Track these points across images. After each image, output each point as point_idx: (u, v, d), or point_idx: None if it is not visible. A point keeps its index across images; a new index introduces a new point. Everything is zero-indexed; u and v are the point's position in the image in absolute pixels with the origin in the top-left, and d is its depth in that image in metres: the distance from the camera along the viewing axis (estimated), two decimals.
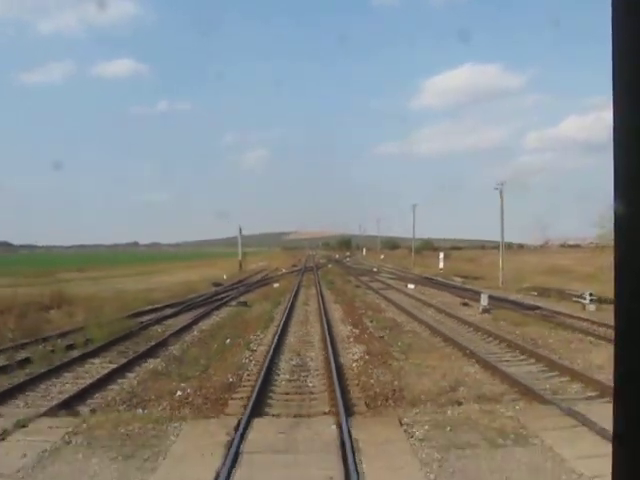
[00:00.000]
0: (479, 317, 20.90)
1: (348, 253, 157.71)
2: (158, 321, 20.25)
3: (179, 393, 10.35)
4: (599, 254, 35.61)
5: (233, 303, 26.65)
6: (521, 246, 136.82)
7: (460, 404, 9.01)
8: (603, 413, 8.10)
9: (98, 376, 11.71)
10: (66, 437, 7.53)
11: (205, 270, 63.71)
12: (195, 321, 20.30)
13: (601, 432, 7.30)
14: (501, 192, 41.27)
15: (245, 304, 25.87)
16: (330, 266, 75.98)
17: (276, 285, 38.02)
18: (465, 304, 25.04)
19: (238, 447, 6.83)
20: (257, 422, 8.02)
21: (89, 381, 11.25)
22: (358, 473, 6.04)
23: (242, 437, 7.21)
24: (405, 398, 9.58)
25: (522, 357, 13.41)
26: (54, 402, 9.71)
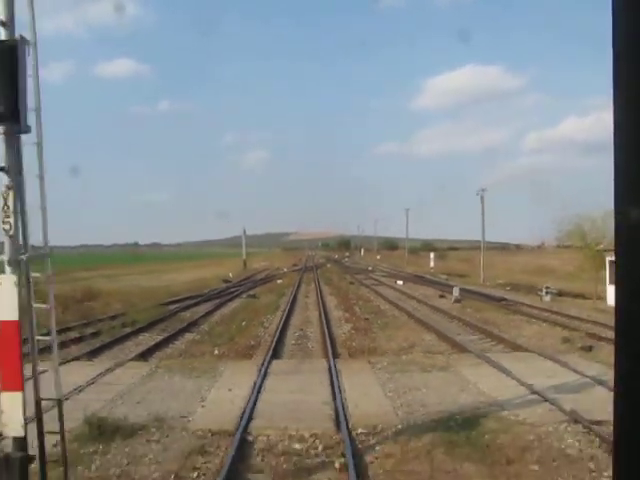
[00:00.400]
0: (450, 305, 25.11)
1: (347, 254, 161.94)
2: (184, 309, 24.46)
3: (216, 351, 14.56)
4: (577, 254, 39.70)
5: (244, 296, 30.85)
6: (518, 247, 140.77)
7: (411, 354, 13.23)
8: (503, 359, 12.38)
9: (153, 342, 15.91)
10: (152, 369, 11.74)
11: (211, 269, 67.91)
12: (215, 309, 24.51)
13: (496, 366, 11.54)
14: (482, 198, 45.48)
15: (254, 296, 30.09)
16: (329, 265, 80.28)
17: (279, 281, 42.26)
18: (442, 296, 29.24)
19: (265, 371, 11.05)
20: (275, 362, 12.25)
21: (149, 345, 15.45)
22: (338, 381, 10.25)
23: (267, 367, 11.42)
24: (375, 352, 13.81)
25: (471, 331, 17.62)
26: (131, 355, 13.92)
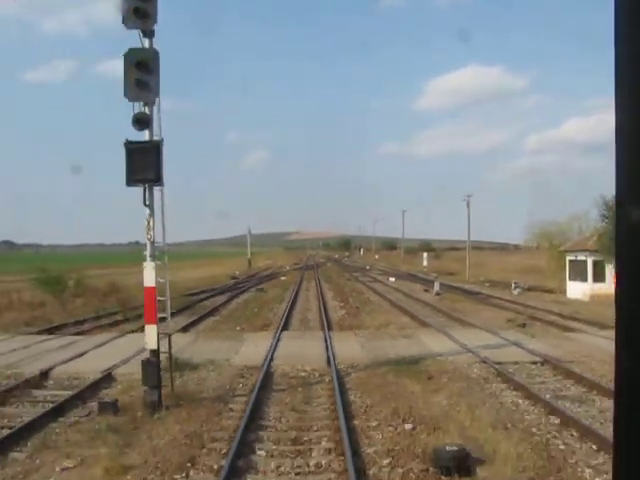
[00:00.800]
0: (431, 298, 29.32)
1: (347, 253, 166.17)
2: (203, 299, 28.69)
3: (238, 328, 18.80)
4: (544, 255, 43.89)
5: (252, 290, 35.09)
6: (517, 247, 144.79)
7: (387, 328, 17.48)
8: (455, 332, 16.60)
9: (186, 322, 20.12)
10: (194, 337, 15.98)
11: (217, 267, 72.04)
12: (229, 300, 28.75)
13: (447, 335, 15.76)
14: (468, 203, 49.66)
15: (262, 290, 34.33)
16: (329, 265, 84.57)
17: (283, 278, 46.54)
18: (426, 290, 33.44)
19: (278, 337, 15.30)
20: (285, 332, 16.51)
21: (184, 324, 19.69)
22: (330, 342, 14.49)
23: (279, 335, 15.67)
24: (360, 327, 18.06)
25: (440, 315, 21.86)
26: (176, 329, 18.10)
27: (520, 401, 9.48)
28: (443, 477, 6.36)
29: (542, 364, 12.22)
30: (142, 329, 17.26)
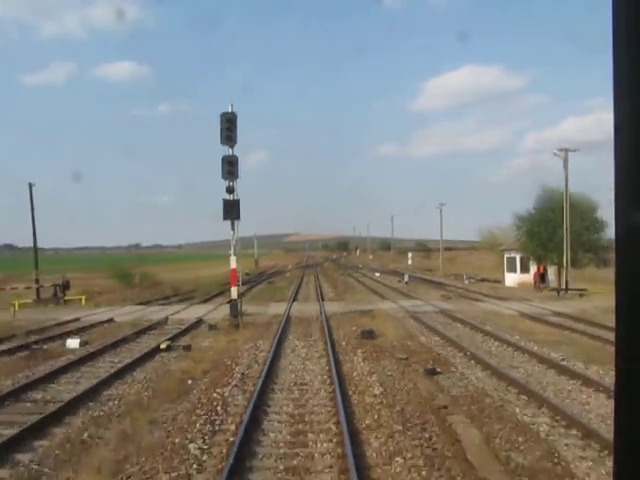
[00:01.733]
0: (400, 286, 39.08)
1: (345, 254, 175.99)
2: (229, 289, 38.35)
3: (264, 301, 28.62)
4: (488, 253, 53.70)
5: (265, 282, 44.86)
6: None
7: (360, 300, 27.34)
8: (402, 302, 26.50)
9: (226, 300, 29.89)
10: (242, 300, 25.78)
11: (228, 267, 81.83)
12: (250, 288, 38.52)
13: (396, 303, 25.62)
14: (441, 211, 59.41)
15: (272, 282, 44.11)
16: (326, 264, 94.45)
17: (287, 274, 56.43)
18: (400, 281, 43.20)
19: (291, 304, 25.21)
20: (294, 303, 26.40)
21: (227, 300, 29.46)
22: (322, 306, 24.36)
23: (291, 304, 25.55)
24: (342, 300, 27.92)
25: (399, 295, 31.62)
26: (223, 302, 27.96)
27: (414, 323, 19.31)
28: (363, 341, 16.10)
29: (438, 313, 22.05)
30: (199, 303, 27.10)
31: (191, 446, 7.47)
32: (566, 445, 7.45)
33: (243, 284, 43.24)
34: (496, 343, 15.46)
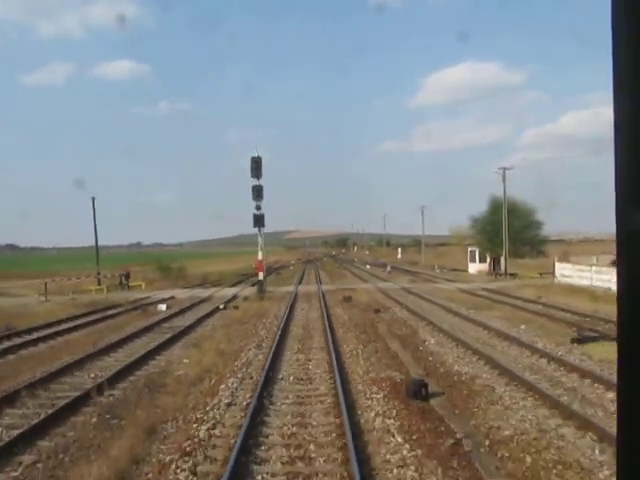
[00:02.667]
0: (383, 274, 48.64)
1: (343, 250, 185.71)
2: (248, 278, 48.05)
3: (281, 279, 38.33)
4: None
5: (274, 273, 54.51)
6: None
7: (348, 283, 37.00)
8: (378, 283, 36.26)
9: (250, 283, 39.57)
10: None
11: (236, 263, 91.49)
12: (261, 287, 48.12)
13: (373, 284, 35.32)
14: (422, 212, 68.90)
15: (280, 273, 53.78)
16: (325, 259, 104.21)
17: (291, 268, 66.07)
18: (383, 271, 52.75)
19: (297, 286, 34.89)
20: (300, 286, 36.10)
21: (250, 283, 39.14)
22: (320, 286, 34.04)
23: (297, 286, 35.23)
24: (334, 283, 37.62)
25: (379, 280, 41.24)
26: (247, 286, 37.63)
27: (380, 294, 28.96)
28: (344, 302, 25.66)
29: (401, 289, 31.65)
30: (228, 287, 36.87)
31: (262, 332, 17.15)
32: (423, 329, 17.09)
33: (254, 275, 52.91)
34: (427, 303, 25.04)
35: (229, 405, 9.38)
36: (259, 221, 28.32)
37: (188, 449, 7.31)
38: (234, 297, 30.11)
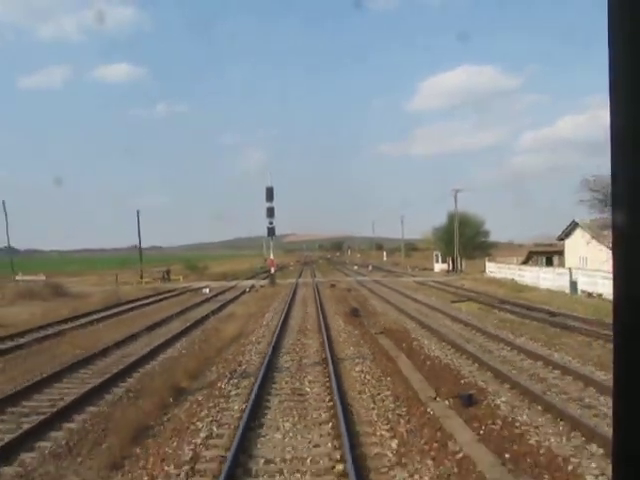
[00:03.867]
0: (365, 272, 60.64)
1: (338, 253, 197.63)
2: (257, 274, 60.01)
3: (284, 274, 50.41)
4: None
5: (279, 272, 66.44)
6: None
7: (335, 277, 49.11)
8: (357, 277, 48.46)
9: (261, 277, 51.62)
10: (270, 281, 47.56)
11: (241, 264, 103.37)
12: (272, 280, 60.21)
13: (353, 278, 47.44)
14: (402, 220, 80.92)
15: (282, 271, 65.83)
16: (320, 261, 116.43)
17: (291, 268, 78.12)
18: (366, 270, 64.73)
19: (298, 279, 47.02)
20: (300, 279, 48.23)
21: (262, 277, 51.21)
22: (315, 278, 46.13)
23: (298, 278, 47.32)
24: (327, 276, 49.69)
25: (359, 275, 53.27)
26: (260, 278, 49.70)
27: (356, 284, 41.02)
28: (330, 287, 37.61)
29: (373, 281, 43.69)
30: (245, 280, 49.16)
31: (276, 303, 29.22)
32: (375, 302, 29.15)
33: (263, 273, 64.99)
34: (384, 288, 36.97)
35: (268, 322, 21.35)
36: (271, 232, 40.28)
37: (264, 324, 19.39)
38: (252, 286, 41.99)
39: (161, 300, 31.91)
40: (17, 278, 43.64)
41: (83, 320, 22.24)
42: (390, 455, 7.00)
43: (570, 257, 38.16)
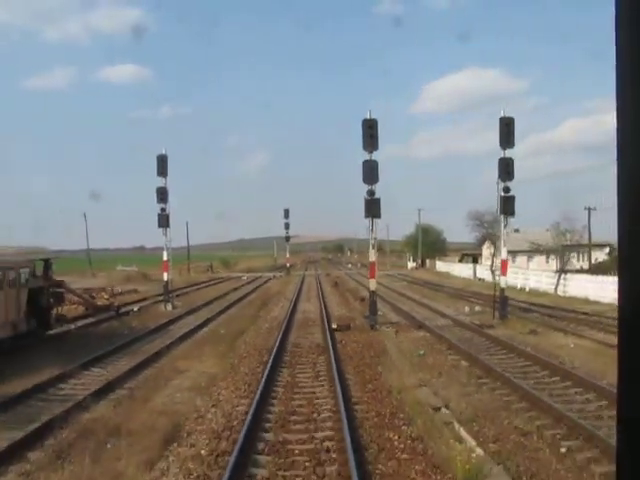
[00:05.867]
0: (354, 268, 79.87)
1: (339, 255, 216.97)
2: (274, 269, 79.33)
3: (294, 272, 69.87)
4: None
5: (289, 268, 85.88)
6: None
7: (331, 272, 68.53)
8: (347, 271, 67.97)
9: (278, 272, 71.04)
10: (286, 273, 66.98)
11: (257, 262, 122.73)
12: (288, 271, 79.62)
13: (344, 273, 66.84)
14: (387, 228, 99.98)
15: (292, 267, 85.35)
16: (322, 262, 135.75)
17: (298, 266, 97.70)
18: (356, 267, 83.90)
19: (305, 273, 66.47)
20: (306, 272, 67.72)
21: (278, 272, 70.64)
22: (318, 271, 65.57)
23: (305, 273, 66.74)
24: (325, 270, 69.08)
25: (348, 270, 72.53)
26: (278, 273, 69.21)
27: (345, 275, 60.38)
28: (326, 276, 56.85)
29: (357, 274, 62.98)
30: (267, 272, 68.88)
31: (292, 285, 48.68)
32: (350, 283, 48.59)
33: (276, 269, 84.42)
34: (362, 277, 56.13)
35: (291, 292, 40.64)
36: (287, 239, 59.49)
37: (290, 290, 38.87)
38: (274, 276, 61.26)
39: (221, 282, 51.21)
40: (118, 268, 62.80)
41: (189, 289, 41.40)
42: (335, 307, 26.44)
43: (484, 258, 57.48)
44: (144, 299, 31.99)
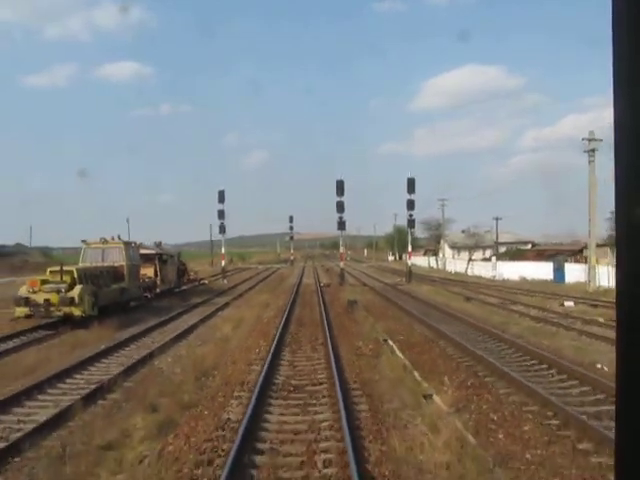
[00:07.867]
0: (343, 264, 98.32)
1: (335, 251, 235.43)
2: (279, 262, 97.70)
3: (296, 263, 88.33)
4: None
5: (289, 263, 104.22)
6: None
7: (326, 264, 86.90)
8: (337, 263, 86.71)
9: (287, 265, 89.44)
10: (291, 265, 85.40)
11: (264, 257, 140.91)
12: (292, 262, 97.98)
13: (334, 264, 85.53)
14: (375, 228, 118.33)
15: (294, 261, 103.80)
16: (319, 257, 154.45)
17: (299, 260, 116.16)
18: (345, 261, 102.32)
19: (304, 264, 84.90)
20: (305, 264, 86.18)
21: (286, 265, 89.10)
22: (314, 265, 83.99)
23: (305, 264, 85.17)
24: (320, 262, 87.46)
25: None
26: (285, 265, 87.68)
27: (334, 267, 78.81)
28: (321, 267, 75.16)
29: (345, 266, 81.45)
30: (276, 264, 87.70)
31: (296, 271, 67.19)
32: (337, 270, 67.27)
33: (281, 262, 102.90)
34: (348, 267, 74.54)
35: (297, 273, 59.03)
36: (291, 238, 77.75)
37: (294, 274, 57.48)
38: (281, 266, 79.49)
39: (244, 271, 69.47)
40: None
41: (227, 274, 59.69)
42: (324, 279, 45.08)
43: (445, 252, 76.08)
44: (203, 278, 50.41)
